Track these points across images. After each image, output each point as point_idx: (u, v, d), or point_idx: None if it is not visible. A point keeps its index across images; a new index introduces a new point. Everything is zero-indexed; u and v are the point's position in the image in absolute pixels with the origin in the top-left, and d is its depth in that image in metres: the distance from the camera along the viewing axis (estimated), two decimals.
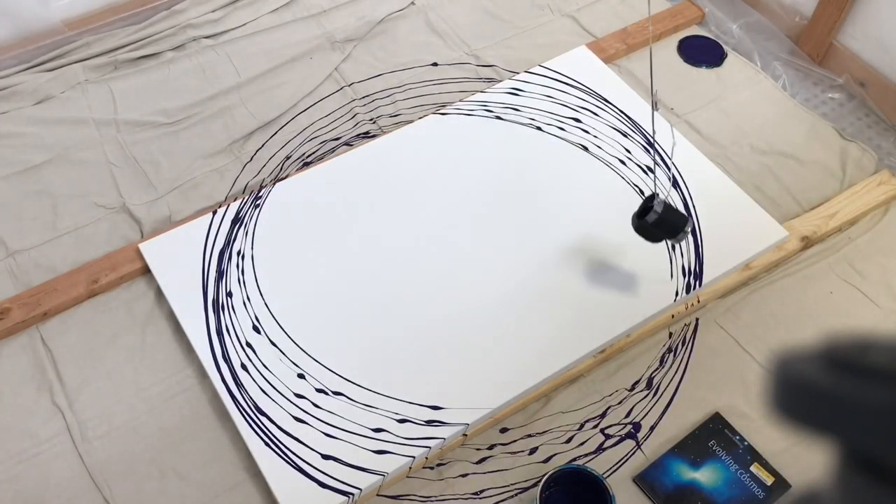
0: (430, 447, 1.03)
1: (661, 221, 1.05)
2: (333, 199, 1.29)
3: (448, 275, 1.21)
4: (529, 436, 1.09)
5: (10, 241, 1.27)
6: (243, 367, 1.11)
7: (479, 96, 1.45)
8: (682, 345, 1.18)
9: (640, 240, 1.25)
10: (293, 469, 1.01)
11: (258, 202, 1.30)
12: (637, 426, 1.10)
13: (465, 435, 1.07)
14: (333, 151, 1.40)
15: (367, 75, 1.52)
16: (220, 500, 1.03)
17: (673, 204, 1.06)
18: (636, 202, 1.29)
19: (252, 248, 1.23)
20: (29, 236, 1.28)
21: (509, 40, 1.59)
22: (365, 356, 1.12)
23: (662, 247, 1.24)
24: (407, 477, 1.05)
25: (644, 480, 1.04)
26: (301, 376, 1.10)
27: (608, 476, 1.05)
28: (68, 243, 1.28)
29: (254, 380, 1.09)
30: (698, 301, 1.21)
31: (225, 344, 1.13)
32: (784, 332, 1.19)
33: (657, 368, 1.16)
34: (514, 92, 1.45)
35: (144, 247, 1.24)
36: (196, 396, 1.11)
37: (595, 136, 1.38)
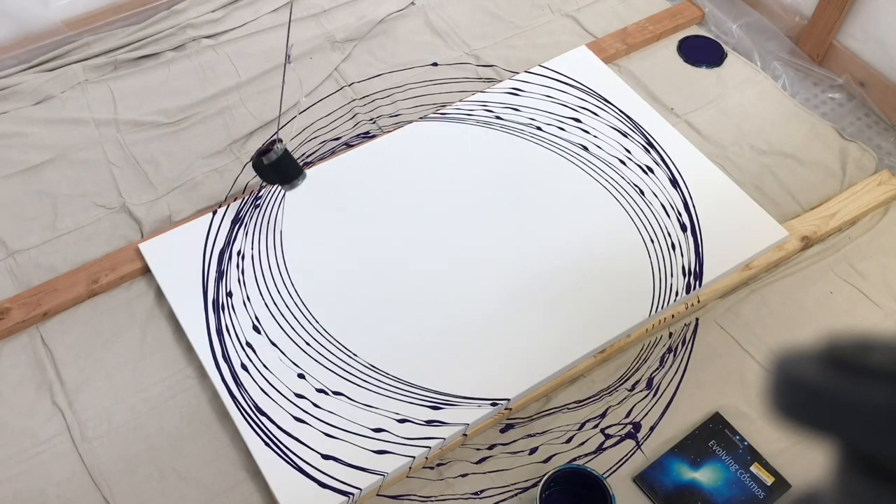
0: (430, 447, 1.04)
1: (277, 165, 1.17)
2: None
3: (447, 275, 1.21)
4: (529, 436, 1.09)
5: (10, 241, 1.27)
6: (243, 367, 1.11)
7: (479, 96, 1.45)
8: (682, 345, 1.18)
9: (641, 240, 1.25)
10: (293, 469, 1.01)
11: (258, 202, 1.30)
12: (637, 426, 1.10)
13: (465, 435, 1.07)
14: (333, 151, 1.40)
15: (367, 75, 1.52)
16: (220, 500, 1.03)
17: (291, 153, 1.20)
18: (635, 202, 1.29)
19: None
20: (29, 236, 1.28)
21: (509, 40, 1.59)
22: (367, 347, 1.12)
23: (663, 248, 1.24)
24: (407, 477, 1.05)
25: (644, 480, 1.04)
26: (301, 376, 1.10)
27: (608, 476, 1.05)
28: (68, 243, 1.28)
29: (254, 380, 1.09)
30: (698, 301, 1.21)
31: (225, 344, 1.13)
32: (784, 332, 1.19)
33: (657, 368, 1.16)
34: (514, 92, 1.45)
35: (144, 247, 1.24)
36: (196, 396, 1.11)
37: (595, 136, 1.38)
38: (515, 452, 1.08)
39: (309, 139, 1.42)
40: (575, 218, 1.27)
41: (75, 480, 1.04)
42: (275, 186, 1.30)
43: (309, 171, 1.33)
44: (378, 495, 1.04)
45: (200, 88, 1.49)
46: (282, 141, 1.18)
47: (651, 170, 1.34)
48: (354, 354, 1.12)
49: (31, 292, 1.20)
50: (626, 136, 1.39)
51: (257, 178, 1.36)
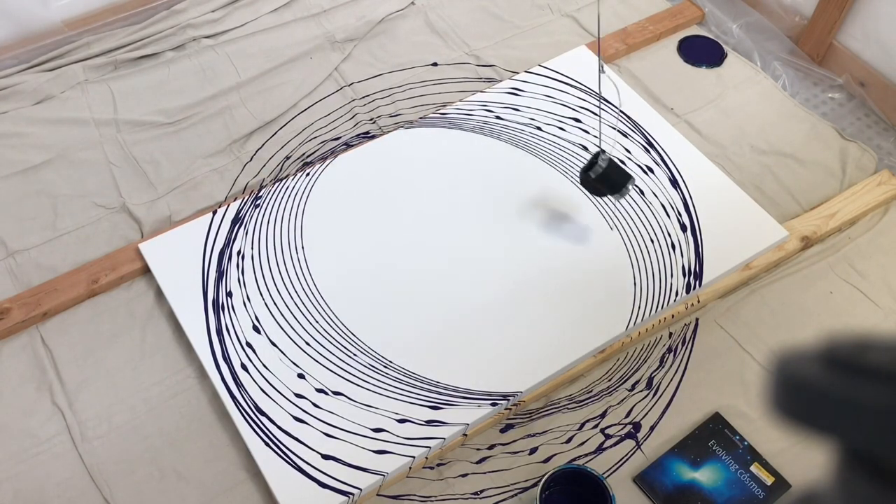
0: (430, 447, 1.04)
1: (604, 177, 1.13)
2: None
3: (447, 275, 1.21)
4: (529, 436, 1.09)
5: (10, 241, 1.27)
6: (243, 367, 1.11)
7: (479, 96, 1.45)
8: (682, 345, 1.18)
9: (642, 240, 1.25)
10: (293, 469, 1.01)
11: (258, 202, 1.30)
12: (637, 426, 1.10)
13: (465, 435, 1.07)
14: (333, 151, 1.40)
15: (367, 75, 1.52)
16: (220, 500, 1.03)
17: (617, 161, 1.16)
18: (635, 202, 1.29)
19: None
20: (29, 236, 1.28)
21: (509, 40, 1.59)
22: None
23: (664, 248, 1.24)
24: (407, 477, 1.05)
25: (644, 480, 1.04)
26: (301, 376, 1.10)
27: (608, 476, 1.05)
28: (68, 243, 1.28)
29: (254, 380, 1.09)
30: (698, 301, 1.21)
31: (225, 344, 1.13)
32: (784, 332, 1.19)
33: (657, 368, 1.16)
34: (514, 92, 1.45)
35: (144, 247, 1.24)
36: (196, 396, 1.11)
37: (595, 136, 1.38)
38: (515, 452, 1.08)
39: (309, 139, 1.42)
40: (574, 218, 1.27)
41: (75, 480, 1.04)
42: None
43: (314, 171, 1.33)
44: (378, 495, 1.04)
45: (200, 88, 1.49)
46: (605, 152, 1.13)
47: (651, 170, 1.34)
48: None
49: (31, 292, 1.20)
50: (626, 136, 1.39)
51: (257, 177, 1.36)
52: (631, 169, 1.34)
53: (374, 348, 1.12)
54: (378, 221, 1.27)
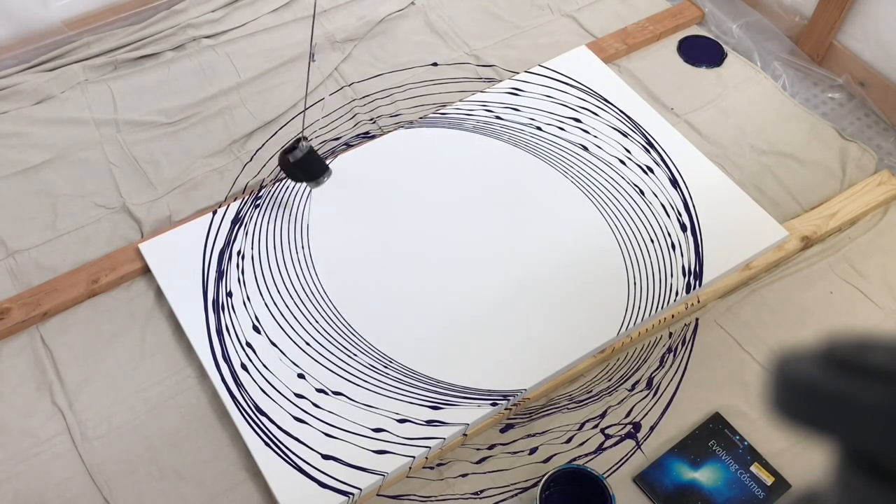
0: (430, 447, 1.04)
1: (301, 162, 1.18)
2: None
3: (447, 274, 1.21)
4: (529, 436, 1.09)
5: (10, 241, 1.27)
6: (243, 367, 1.11)
7: (479, 96, 1.45)
8: (682, 345, 1.18)
9: (642, 241, 1.25)
10: (293, 469, 1.01)
11: (258, 202, 1.30)
12: (637, 426, 1.10)
13: (465, 435, 1.07)
14: (333, 151, 1.40)
15: (367, 75, 1.52)
16: (220, 500, 1.03)
17: (316, 150, 1.21)
18: (635, 202, 1.29)
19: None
20: (29, 236, 1.28)
21: (509, 40, 1.59)
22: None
23: (664, 248, 1.24)
24: (407, 477, 1.05)
25: (644, 480, 1.04)
26: (301, 376, 1.10)
27: (608, 476, 1.05)
28: (68, 243, 1.28)
29: (254, 380, 1.09)
30: (698, 301, 1.21)
31: (225, 344, 1.13)
32: (784, 332, 1.19)
33: (657, 368, 1.16)
34: (514, 92, 1.45)
35: (144, 247, 1.24)
36: (196, 396, 1.11)
37: (595, 136, 1.38)
38: (515, 452, 1.08)
39: (309, 139, 1.42)
40: (573, 219, 1.27)
41: (75, 480, 1.04)
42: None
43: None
44: (378, 495, 1.04)
45: (200, 88, 1.49)
46: (307, 139, 1.18)
47: (651, 170, 1.34)
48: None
49: (31, 292, 1.20)
50: (626, 136, 1.39)
51: (257, 178, 1.36)
52: (631, 169, 1.34)
53: (376, 346, 1.12)
54: (378, 221, 1.27)
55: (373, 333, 1.14)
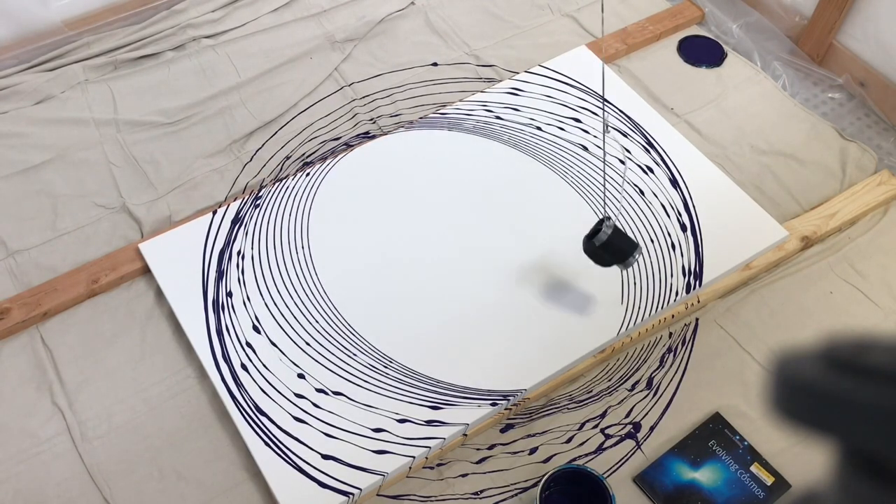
0: (430, 447, 1.04)
1: (608, 245, 1.05)
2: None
3: (447, 274, 1.21)
4: (529, 436, 1.09)
5: (10, 241, 1.27)
6: (243, 367, 1.11)
7: (479, 96, 1.45)
8: (682, 345, 1.18)
9: (642, 240, 1.25)
10: (293, 469, 1.01)
11: (258, 202, 1.30)
12: (637, 426, 1.10)
13: (465, 435, 1.07)
14: (333, 151, 1.40)
15: (367, 75, 1.52)
16: (220, 500, 1.03)
17: (622, 228, 1.08)
18: (635, 202, 1.29)
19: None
20: (29, 236, 1.28)
21: (509, 40, 1.59)
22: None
23: (664, 248, 1.24)
24: (407, 477, 1.05)
25: (644, 480, 1.04)
26: (301, 376, 1.10)
27: (608, 476, 1.05)
28: (68, 243, 1.27)
29: (254, 380, 1.09)
30: (698, 301, 1.21)
31: (225, 344, 1.13)
32: (784, 332, 1.19)
33: (657, 368, 1.16)
34: (514, 92, 1.45)
35: (144, 247, 1.24)
36: (196, 396, 1.11)
37: (595, 136, 1.38)
38: (515, 452, 1.08)
39: (309, 139, 1.42)
40: (573, 219, 1.27)
41: (75, 480, 1.04)
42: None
43: (314, 171, 1.33)
44: (378, 495, 1.04)
45: (200, 88, 1.49)
46: (610, 218, 1.06)
47: (651, 170, 1.34)
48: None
49: (31, 292, 1.20)
50: (626, 136, 1.39)
51: (257, 178, 1.36)
52: (632, 169, 1.34)
53: (376, 346, 1.12)
54: (378, 221, 1.27)
55: (373, 333, 1.14)
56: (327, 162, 1.35)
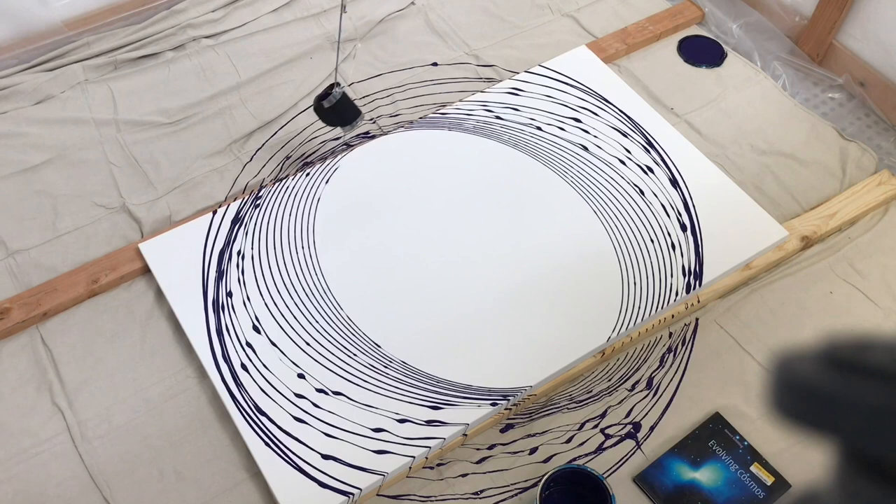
0: (430, 447, 1.04)
1: (336, 108, 1.24)
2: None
3: (446, 275, 1.21)
4: (529, 436, 1.09)
5: (10, 241, 1.27)
6: (243, 367, 1.11)
7: (479, 96, 1.45)
8: (682, 345, 1.18)
9: (640, 241, 1.25)
10: (293, 469, 1.01)
11: (258, 202, 1.30)
12: (637, 426, 1.10)
13: (465, 435, 1.07)
14: (333, 151, 1.40)
15: (367, 75, 1.52)
16: (220, 500, 1.03)
17: (351, 96, 1.27)
18: (634, 202, 1.30)
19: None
20: (29, 236, 1.28)
21: (509, 40, 1.59)
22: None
23: (664, 248, 1.24)
24: (407, 477, 1.05)
25: (644, 480, 1.04)
26: (301, 376, 1.10)
27: (608, 476, 1.05)
28: (68, 243, 1.28)
29: (254, 380, 1.09)
30: (698, 301, 1.21)
31: (225, 344, 1.13)
32: (784, 332, 1.19)
33: (657, 368, 1.16)
34: (514, 92, 1.45)
35: (144, 247, 1.24)
36: (196, 396, 1.11)
37: (595, 136, 1.38)
38: (515, 452, 1.08)
39: (309, 139, 1.42)
40: (573, 219, 1.27)
41: (75, 480, 1.04)
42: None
43: (314, 171, 1.33)
44: (378, 495, 1.04)
45: (200, 88, 1.49)
46: (339, 85, 1.24)
47: (651, 170, 1.34)
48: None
49: (31, 292, 1.20)
50: (626, 136, 1.39)
51: (257, 177, 1.36)
52: (631, 169, 1.34)
53: (376, 343, 1.12)
54: (379, 221, 1.27)
55: (373, 333, 1.14)
56: (327, 162, 1.35)
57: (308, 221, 1.27)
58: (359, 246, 1.24)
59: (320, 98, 1.25)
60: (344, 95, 1.24)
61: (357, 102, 1.47)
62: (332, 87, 1.24)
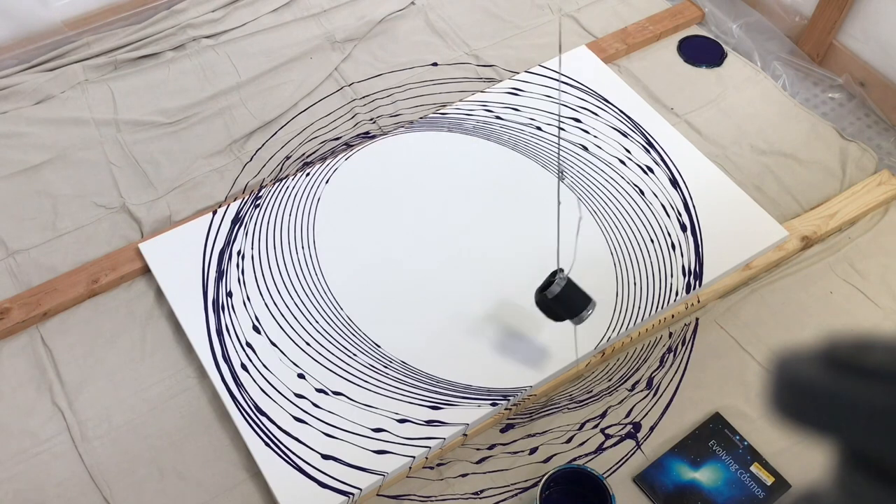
0: (430, 447, 1.04)
1: (559, 299, 1.02)
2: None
3: (446, 276, 1.21)
4: (529, 436, 1.09)
5: (10, 241, 1.27)
6: (243, 367, 1.11)
7: (479, 96, 1.45)
8: (682, 345, 1.18)
9: (640, 241, 1.25)
10: (293, 469, 1.01)
11: (258, 202, 1.30)
12: (637, 426, 1.10)
13: (465, 435, 1.07)
14: (333, 151, 1.40)
15: (367, 75, 1.52)
16: (220, 500, 1.03)
17: (576, 282, 1.04)
18: (634, 202, 1.29)
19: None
20: (29, 236, 1.28)
21: (509, 40, 1.59)
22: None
23: (664, 248, 1.24)
24: (407, 477, 1.05)
25: (644, 480, 1.04)
26: (301, 376, 1.10)
27: (608, 476, 1.05)
28: (68, 243, 1.28)
29: (254, 380, 1.09)
30: (698, 301, 1.21)
31: (225, 344, 1.13)
32: (784, 332, 1.19)
33: (657, 368, 1.16)
34: (514, 92, 1.45)
35: (144, 247, 1.24)
36: (196, 396, 1.11)
37: (595, 136, 1.38)
38: (515, 452, 1.08)
39: (309, 139, 1.42)
40: (573, 219, 1.27)
41: (75, 480, 1.04)
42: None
43: (314, 171, 1.33)
44: (378, 495, 1.04)
45: (200, 88, 1.49)
46: (563, 270, 1.03)
47: (651, 170, 1.34)
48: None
49: (31, 292, 1.20)
50: (626, 136, 1.39)
51: (257, 177, 1.36)
52: (631, 169, 1.34)
53: (376, 343, 1.12)
54: (379, 222, 1.27)
55: (373, 333, 1.14)
56: (327, 162, 1.35)
57: (308, 221, 1.27)
58: (359, 246, 1.24)
59: (542, 289, 1.04)
60: (569, 282, 1.03)
61: (357, 102, 1.47)
62: (554, 273, 1.03)
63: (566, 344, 1.13)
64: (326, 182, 1.32)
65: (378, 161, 1.35)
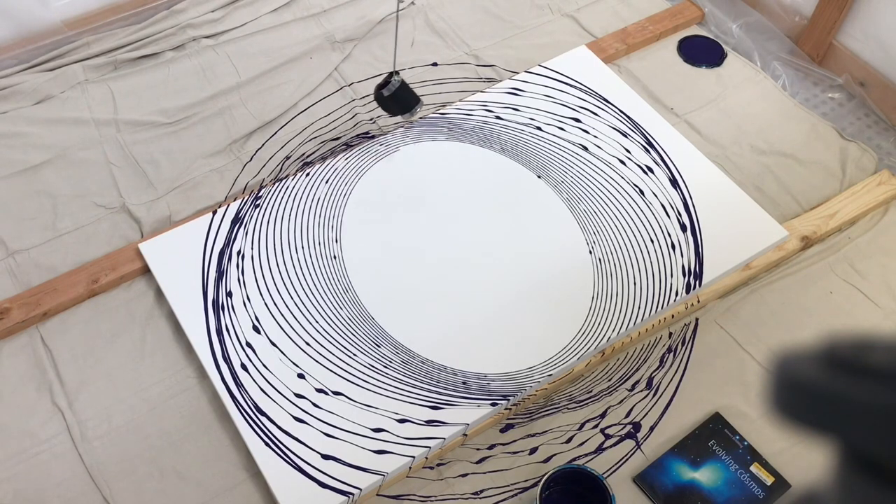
0: (430, 447, 1.04)
1: (394, 97, 1.24)
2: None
3: (446, 276, 1.21)
4: (529, 436, 1.09)
5: (10, 241, 1.27)
6: (243, 367, 1.11)
7: (479, 96, 1.45)
8: (682, 345, 1.18)
9: (640, 241, 1.25)
10: (293, 469, 1.01)
11: (258, 202, 1.30)
12: (637, 426, 1.10)
13: (465, 435, 1.07)
14: (333, 151, 1.40)
15: (367, 75, 1.52)
16: (220, 500, 1.03)
17: (408, 83, 1.25)
18: (634, 202, 1.29)
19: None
20: (29, 236, 1.28)
21: (509, 40, 1.59)
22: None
23: (664, 248, 1.24)
24: (407, 477, 1.05)
25: (644, 480, 1.04)
26: (301, 376, 1.10)
27: (608, 476, 1.05)
28: (68, 243, 1.28)
29: (254, 380, 1.09)
30: (698, 301, 1.21)
31: (225, 344, 1.13)
32: (784, 332, 1.19)
33: (657, 368, 1.16)
34: (514, 92, 1.45)
35: (144, 247, 1.24)
36: (196, 396, 1.11)
37: (595, 136, 1.38)
38: (515, 452, 1.08)
39: (309, 139, 1.42)
40: (573, 219, 1.27)
41: (75, 480, 1.04)
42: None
43: (314, 171, 1.33)
44: (378, 495, 1.04)
45: (200, 88, 1.49)
46: (398, 73, 1.23)
47: (651, 170, 1.34)
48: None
49: (31, 292, 1.20)
50: (626, 136, 1.39)
51: (257, 177, 1.36)
52: (631, 169, 1.34)
53: (377, 343, 1.12)
54: (378, 222, 1.27)
55: (372, 333, 1.14)
56: (327, 162, 1.35)
57: (308, 221, 1.27)
58: (358, 246, 1.24)
59: (380, 87, 1.24)
60: (403, 83, 1.24)
61: (357, 102, 1.48)
62: (391, 75, 1.24)
63: (566, 344, 1.13)
64: (326, 182, 1.32)
65: (377, 161, 1.35)
